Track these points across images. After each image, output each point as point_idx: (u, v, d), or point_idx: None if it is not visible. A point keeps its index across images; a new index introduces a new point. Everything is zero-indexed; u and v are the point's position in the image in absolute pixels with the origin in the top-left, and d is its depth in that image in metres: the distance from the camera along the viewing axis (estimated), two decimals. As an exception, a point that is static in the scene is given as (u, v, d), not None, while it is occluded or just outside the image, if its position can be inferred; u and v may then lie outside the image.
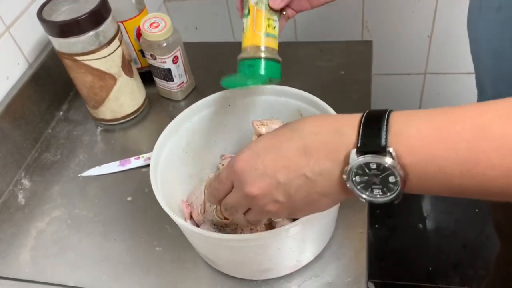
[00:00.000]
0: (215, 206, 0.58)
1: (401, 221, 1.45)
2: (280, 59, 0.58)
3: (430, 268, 1.33)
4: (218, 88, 0.65)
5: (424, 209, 1.47)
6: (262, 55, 0.56)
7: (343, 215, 0.64)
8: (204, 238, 0.52)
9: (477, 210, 1.43)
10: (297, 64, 0.90)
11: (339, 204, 0.59)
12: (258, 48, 0.56)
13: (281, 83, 0.64)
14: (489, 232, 1.38)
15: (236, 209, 0.45)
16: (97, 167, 0.78)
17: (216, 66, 0.94)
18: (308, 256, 0.59)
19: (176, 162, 0.64)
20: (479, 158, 0.30)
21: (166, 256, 0.65)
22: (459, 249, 1.36)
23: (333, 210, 0.58)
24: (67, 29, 0.70)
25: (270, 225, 0.59)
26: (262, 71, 0.56)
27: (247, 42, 0.57)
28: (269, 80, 0.58)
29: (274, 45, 0.58)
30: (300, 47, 0.95)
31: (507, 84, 0.49)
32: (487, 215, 1.42)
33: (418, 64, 1.30)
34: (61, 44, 0.73)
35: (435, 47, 1.23)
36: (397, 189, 0.35)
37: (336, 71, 0.87)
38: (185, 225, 0.51)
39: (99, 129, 0.86)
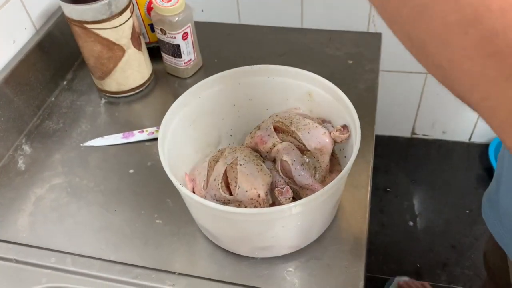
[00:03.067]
0: (220, 181, 0.58)
1: (392, 218, 1.46)
2: None
3: (418, 265, 1.35)
4: (225, 68, 0.65)
5: (415, 207, 1.49)
6: None
7: (345, 202, 0.65)
8: (211, 211, 0.52)
9: (467, 211, 1.45)
10: (305, 50, 0.90)
11: (343, 188, 0.59)
12: None
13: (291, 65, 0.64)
14: (478, 233, 1.40)
15: None
16: (99, 138, 0.78)
17: (224, 47, 0.94)
18: (309, 238, 0.60)
19: (183, 136, 0.63)
20: None
21: (166, 229, 0.65)
22: (448, 248, 1.38)
23: (337, 194, 0.58)
24: (79, -5, 0.70)
25: (274, 205, 0.59)
26: None
27: None
28: None
29: None
30: (308, 33, 0.95)
31: None
32: (477, 217, 1.43)
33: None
34: (72, 11, 0.72)
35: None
36: None
37: (345, 60, 0.87)
38: (193, 197, 0.51)
39: (103, 100, 0.85)
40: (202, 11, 1.35)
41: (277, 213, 0.51)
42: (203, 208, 0.53)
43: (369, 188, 0.66)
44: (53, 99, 0.86)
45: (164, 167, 0.54)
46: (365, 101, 0.79)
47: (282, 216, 0.52)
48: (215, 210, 0.51)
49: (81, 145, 0.77)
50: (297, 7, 1.25)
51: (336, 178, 0.51)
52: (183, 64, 0.85)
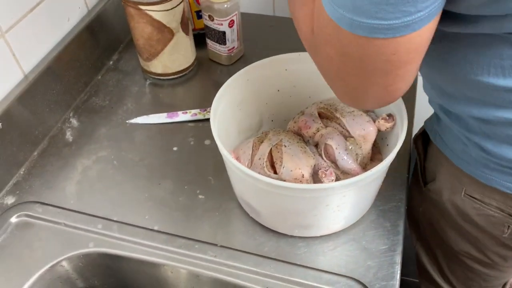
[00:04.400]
0: (264, 159, 0.61)
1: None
2: None
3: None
4: (265, 58, 0.67)
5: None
6: None
7: (383, 188, 0.66)
8: (258, 184, 0.54)
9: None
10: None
11: (385, 175, 0.61)
12: None
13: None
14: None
15: None
16: (145, 116, 0.81)
17: (265, 38, 0.96)
18: (348, 220, 0.62)
19: (230, 116, 0.66)
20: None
21: (207, 204, 0.67)
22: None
23: (380, 178, 0.60)
24: (137, -23, 0.73)
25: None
26: None
27: None
28: None
29: None
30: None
31: None
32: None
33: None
34: (129, -8, 0.76)
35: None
36: None
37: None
38: (243, 169, 0.53)
39: (148, 82, 0.88)
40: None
41: (323, 191, 0.53)
42: (251, 182, 0.55)
43: (407, 175, 0.68)
44: (99, 77, 0.90)
45: (215, 138, 0.56)
46: (405, 95, 0.81)
47: (328, 194, 0.54)
48: (263, 183, 0.53)
49: (127, 121, 0.81)
50: None
51: (384, 160, 0.53)
52: (227, 51, 0.88)
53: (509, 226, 0.57)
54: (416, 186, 0.71)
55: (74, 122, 0.81)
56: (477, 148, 0.53)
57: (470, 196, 0.58)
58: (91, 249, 0.63)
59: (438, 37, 0.45)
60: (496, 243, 0.61)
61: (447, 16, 0.40)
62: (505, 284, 0.79)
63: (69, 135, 0.79)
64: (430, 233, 0.72)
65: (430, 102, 0.60)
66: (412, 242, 0.82)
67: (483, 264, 0.66)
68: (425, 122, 0.66)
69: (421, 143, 0.67)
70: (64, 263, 0.62)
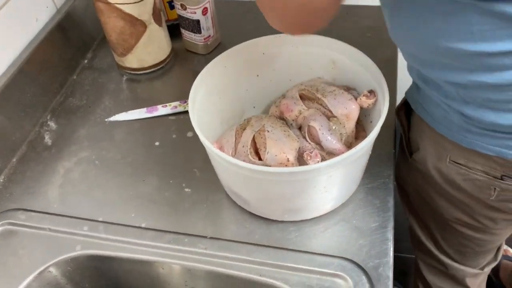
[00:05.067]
0: (248, 147, 0.60)
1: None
2: None
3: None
4: None
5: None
6: None
7: (370, 166, 0.66)
8: (244, 172, 0.53)
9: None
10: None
11: (370, 153, 0.60)
12: None
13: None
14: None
15: None
16: (124, 113, 0.79)
17: (242, 24, 0.94)
18: (337, 200, 0.61)
19: (210, 106, 0.65)
20: None
21: (194, 197, 0.66)
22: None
23: (366, 156, 0.59)
24: (103, -30, 0.71)
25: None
26: None
27: None
28: None
29: None
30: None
31: None
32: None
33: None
34: (96, -14, 0.73)
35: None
36: None
37: (363, 33, 0.88)
38: (228, 158, 0.52)
39: (125, 78, 0.86)
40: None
41: (309, 173, 0.52)
42: (236, 170, 0.54)
43: (393, 151, 0.67)
44: (75, 77, 0.87)
45: (196, 131, 0.55)
46: (386, 72, 0.80)
47: (314, 176, 0.53)
48: (248, 170, 0.52)
49: (106, 120, 0.79)
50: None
51: (368, 136, 0.52)
52: (203, 40, 0.86)
53: (495, 189, 0.57)
54: (402, 158, 0.71)
55: (52, 124, 0.79)
56: (457, 113, 0.53)
57: (455, 162, 0.58)
58: (79, 252, 0.61)
59: (407, 5, 0.45)
60: (484, 206, 0.61)
61: None
62: (499, 248, 0.79)
63: (47, 139, 0.77)
64: (421, 204, 0.72)
65: (409, 71, 0.60)
66: (406, 216, 0.82)
67: (475, 229, 0.66)
68: (406, 92, 0.66)
69: (404, 114, 0.67)
70: (52, 269, 0.61)
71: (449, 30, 0.44)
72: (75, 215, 0.66)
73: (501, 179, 0.56)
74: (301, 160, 0.60)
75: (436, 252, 0.77)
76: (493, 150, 0.53)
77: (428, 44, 0.47)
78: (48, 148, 0.75)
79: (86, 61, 0.90)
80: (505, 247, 1.28)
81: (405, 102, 0.66)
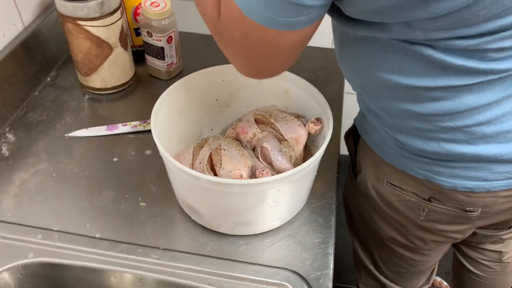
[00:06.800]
0: (205, 162, 0.64)
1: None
2: None
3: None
4: None
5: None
6: None
7: (315, 188, 0.71)
8: (198, 182, 0.57)
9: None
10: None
11: (315, 172, 0.66)
12: None
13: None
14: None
15: None
16: (84, 129, 0.81)
17: (203, 55, 1.00)
18: (285, 216, 0.66)
19: (171, 124, 0.69)
20: None
21: (150, 211, 0.69)
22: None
23: (312, 174, 0.65)
24: (76, -7, 0.75)
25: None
26: None
27: None
28: None
29: None
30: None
31: None
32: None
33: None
34: (67, 7, 0.77)
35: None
36: None
37: (314, 71, 0.96)
38: (184, 168, 0.56)
39: (87, 97, 0.89)
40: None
41: (260, 185, 0.57)
42: (193, 181, 0.58)
43: (336, 175, 0.74)
44: (37, 93, 0.89)
45: (155, 140, 0.59)
46: (333, 106, 0.88)
47: (264, 189, 0.58)
48: (204, 181, 0.56)
49: (66, 135, 0.81)
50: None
51: (313, 156, 0.58)
52: (166, 66, 0.91)
53: (424, 209, 0.64)
54: (349, 181, 0.77)
55: (10, 137, 0.80)
56: (392, 139, 0.60)
57: (391, 183, 0.65)
58: (31, 259, 0.62)
59: (352, 37, 0.52)
60: (415, 226, 0.68)
61: (350, 20, 0.48)
62: (432, 271, 0.86)
63: (5, 150, 0.78)
64: (362, 224, 0.78)
65: (357, 99, 0.68)
66: (350, 239, 0.88)
67: (408, 248, 0.73)
68: (354, 119, 0.73)
69: (352, 139, 0.74)
70: (5, 275, 0.61)
71: (385, 63, 0.51)
72: (30, 224, 0.67)
73: (429, 200, 0.63)
74: (253, 177, 0.65)
75: (375, 272, 0.83)
76: (422, 174, 0.60)
77: (367, 74, 0.55)
78: (4, 159, 0.76)
79: (49, 78, 0.93)
80: (438, 279, 1.36)
81: (353, 128, 0.74)
